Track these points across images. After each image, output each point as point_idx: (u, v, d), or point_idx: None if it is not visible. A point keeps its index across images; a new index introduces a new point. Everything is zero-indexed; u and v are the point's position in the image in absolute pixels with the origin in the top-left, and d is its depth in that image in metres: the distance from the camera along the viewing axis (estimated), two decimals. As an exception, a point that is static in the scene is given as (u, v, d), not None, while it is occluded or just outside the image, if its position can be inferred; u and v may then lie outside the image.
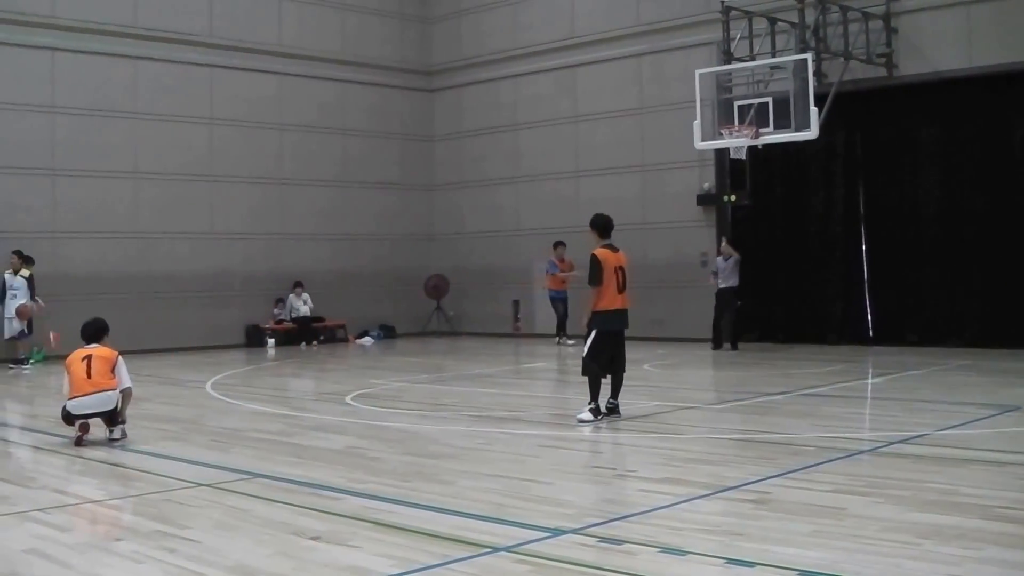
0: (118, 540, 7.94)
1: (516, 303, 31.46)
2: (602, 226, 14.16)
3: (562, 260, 27.36)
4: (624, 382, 14.08)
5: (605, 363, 13.68)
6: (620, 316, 13.82)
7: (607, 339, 13.67)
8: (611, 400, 13.81)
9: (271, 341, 29.33)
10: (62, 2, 26.78)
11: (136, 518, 8.66)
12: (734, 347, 24.39)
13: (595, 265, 13.66)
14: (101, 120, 27.26)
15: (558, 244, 27.55)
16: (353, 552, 7.44)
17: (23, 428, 15.51)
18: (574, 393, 17.42)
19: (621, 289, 13.76)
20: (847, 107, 23.84)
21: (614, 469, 10.44)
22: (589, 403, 13.40)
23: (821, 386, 17.32)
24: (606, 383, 13.74)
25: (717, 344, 24.66)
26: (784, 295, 25.85)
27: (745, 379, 18.96)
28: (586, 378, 13.60)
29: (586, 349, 13.66)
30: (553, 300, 27.76)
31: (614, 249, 13.96)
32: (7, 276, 24.25)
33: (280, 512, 8.75)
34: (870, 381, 18.81)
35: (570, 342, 25.37)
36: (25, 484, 10.40)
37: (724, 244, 23.84)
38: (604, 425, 13.09)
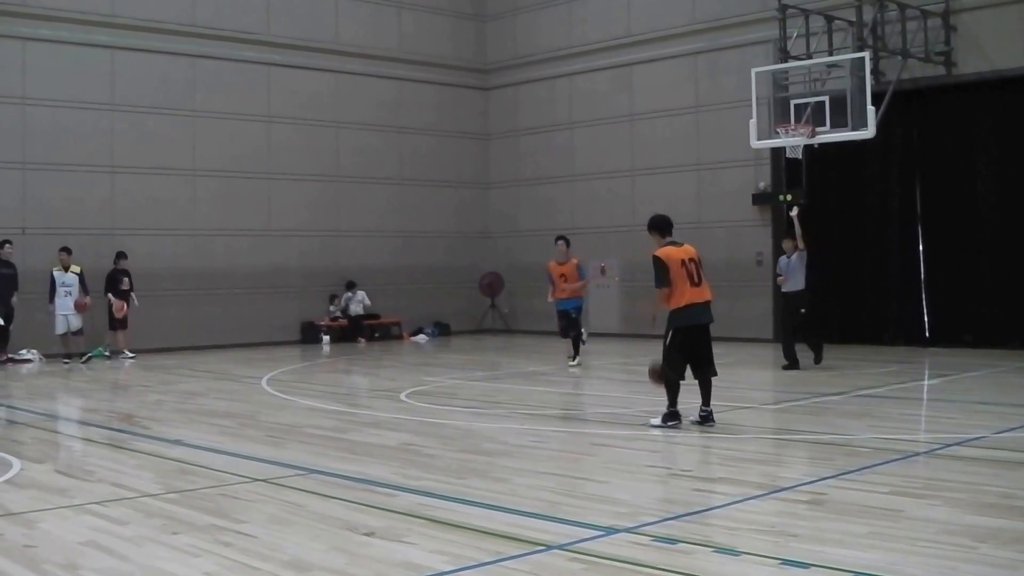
0: (174, 533, 7.99)
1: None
2: (661, 225, 13.57)
3: (561, 263, 22.01)
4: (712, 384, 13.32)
5: (681, 365, 13.04)
6: (699, 309, 13.16)
7: (687, 336, 13.00)
8: (703, 408, 13.07)
9: (326, 338, 29.46)
10: (121, 1, 27.02)
11: (192, 512, 8.72)
12: (817, 360, 20.71)
13: (658, 266, 13.05)
14: (160, 117, 27.52)
15: (559, 239, 22.57)
16: (407, 548, 7.47)
17: (81, 422, 15.64)
18: (628, 391, 17.44)
19: (696, 282, 13.21)
20: (904, 105, 23.69)
21: (669, 468, 10.43)
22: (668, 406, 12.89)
23: (877, 387, 17.21)
24: (687, 385, 13.23)
25: (791, 362, 20.38)
26: (840, 294, 25.63)
27: (801, 379, 18.86)
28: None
29: (664, 348, 13.05)
30: (558, 312, 22.37)
31: (678, 244, 13.44)
32: (56, 273, 24.48)
33: (335, 508, 8.80)
34: (927, 382, 18.68)
35: (572, 363, 21.73)
36: (83, 477, 10.50)
37: (785, 240, 22.15)
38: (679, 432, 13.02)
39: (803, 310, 20.35)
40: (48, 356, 24.63)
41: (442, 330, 31.74)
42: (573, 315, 21.78)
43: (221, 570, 7.01)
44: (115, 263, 25.58)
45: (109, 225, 26.50)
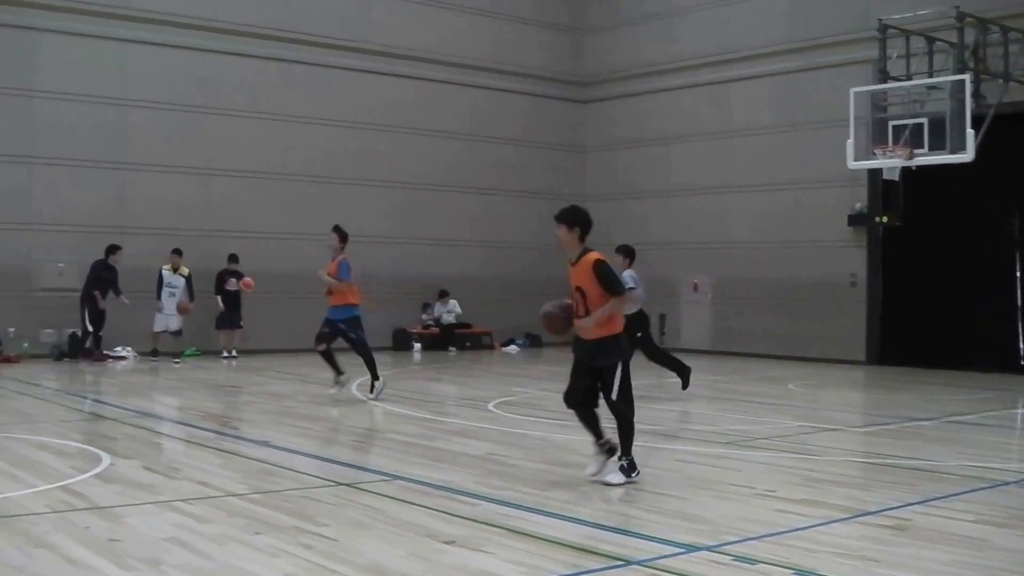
0: (256, 534, 8.07)
1: (662, 316, 31.31)
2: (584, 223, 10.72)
3: None
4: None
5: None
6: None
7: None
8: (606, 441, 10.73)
9: (417, 346, 29.62)
10: (211, 5, 27.49)
11: (275, 513, 8.80)
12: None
13: (611, 270, 10.56)
14: (252, 122, 27.86)
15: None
16: (485, 557, 7.50)
17: (172, 421, 15.84)
18: (715, 410, 17.36)
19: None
20: (1005, 129, 23.34)
21: (752, 488, 10.37)
22: (621, 457, 10.52)
23: (968, 413, 16.98)
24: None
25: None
26: (932, 318, 25.36)
27: (890, 402, 18.68)
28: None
29: (618, 387, 10.45)
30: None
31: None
32: (166, 273, 24.88)
33: (415, 514, 8.85)
34: (1020, 411, 18.41)
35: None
36: (170, 475, 10.65)
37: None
38: (734, 447, 12.92)
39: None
40: (143, 354, 25.01)
41: (533, 341, 31.74)
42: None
43: (300, 572, 7.08)
44: (227, 264, 26.04)
45: (200, 226, 26.80)
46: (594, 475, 10.52)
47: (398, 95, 30.29)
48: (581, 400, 10.63)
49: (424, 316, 30.39)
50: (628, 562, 7.38)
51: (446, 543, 7.88)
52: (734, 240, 29.51)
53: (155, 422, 15.48)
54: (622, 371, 10.45)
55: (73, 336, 24.72)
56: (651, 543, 7.91)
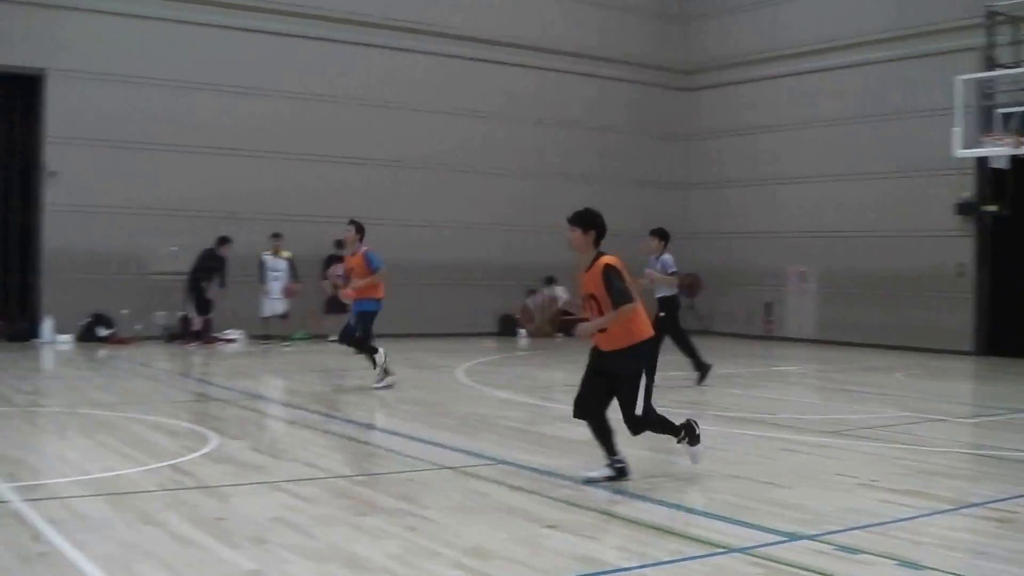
0: (362, 515, 8.19)
1: (767, 305, 31.13)
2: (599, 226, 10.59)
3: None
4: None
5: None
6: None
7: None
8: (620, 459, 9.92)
9: (523, 331, 29.69)
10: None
11: (380, 495, 8.91)
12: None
13: (620, 276, 10.04)
14: (365, 110, 28.10)
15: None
16: (588, 543, 7.54)
17: (280, 403, 16.05)
18: (820, 398, 17.26)
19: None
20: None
21: (856, 477, 10.29)
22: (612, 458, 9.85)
23: (1080, 405, 16.73)
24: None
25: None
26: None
27: (999, 394, 18.43)
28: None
29: (641, 397, 9.73)
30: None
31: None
32: (267, 258, 25.22)
33: (519, 499, 8.92)
34: None
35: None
36: (277, 456, 10.82)
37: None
38: (833, 436, 12.79)
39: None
40: (253, 337, 25.37)
41: (637, 328, 31.57)
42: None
43: (404, 553, 7.16)
44: (334, 249, 26.32)
45: (312, 212, 27.08)
46: (593, 479, 9.61)
47: (508, 84, 30.36)
48: (594, 410, 9.83)
49: (529, 302, 30.45)
50: (729, 549, 7.39)
51: (549, 528, 7.92)
52: (838, 230, 29.19)
53: (263, 404, 15.71)
54: (643, 379, 9.65)
55: (184, 318, 25.10)
56: (753, 531, 7.91)
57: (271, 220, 26.04)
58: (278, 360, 22.02)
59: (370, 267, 16.94)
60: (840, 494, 9.48)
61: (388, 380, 16.81)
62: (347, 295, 17.21)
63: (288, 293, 25.26)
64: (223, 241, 24.75)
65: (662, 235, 18.32)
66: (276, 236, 25.47)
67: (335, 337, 25.93)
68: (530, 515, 8.33)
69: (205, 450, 10.87)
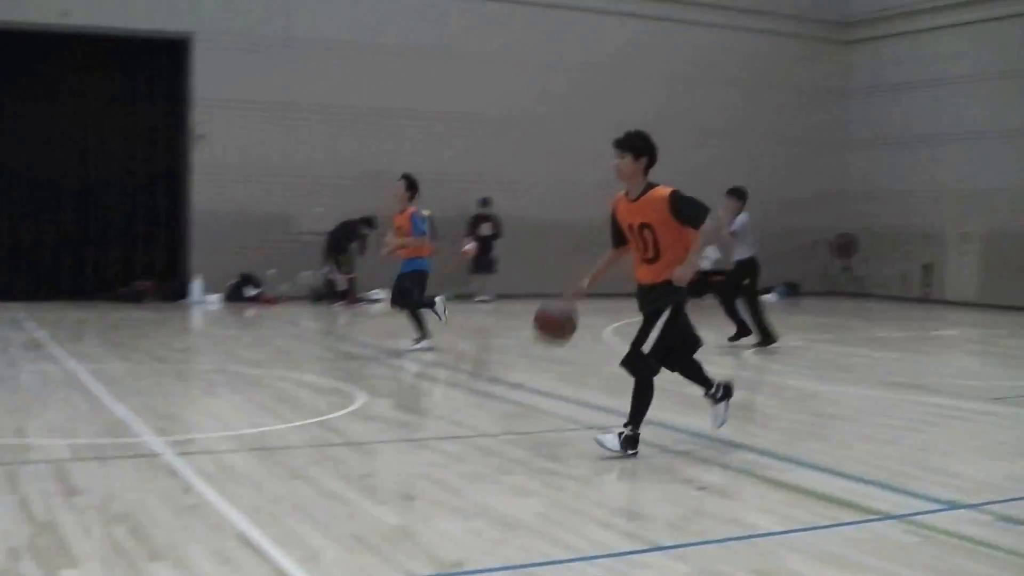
0: (507, 474, 8.10)
1: (926, 267, 30.38)
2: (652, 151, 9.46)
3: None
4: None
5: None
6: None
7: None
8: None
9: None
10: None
11: (526, 454, 8.82)
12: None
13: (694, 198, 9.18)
14: (506, 67, 28.11)
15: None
16: (738, 505, 7.39)
17: (426, 362, 16.01)
18: (981, 364, 16.78)
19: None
20: None
21: (1018, 446, 9.93)
22: (627, 426, 8.95)
23: None
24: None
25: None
26: None
27: None
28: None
29: (656, 338, 9.15)
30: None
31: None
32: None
33: (668, 460, 8.78)
34: None
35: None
36: (424, 414, 10.84)
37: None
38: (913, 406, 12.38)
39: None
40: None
41: (791, 290, 31.16)
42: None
43: (551, 511, 7.07)
44: (479, 208, 26.31)
45: (458, 171, 26.99)
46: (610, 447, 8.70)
47: (657, 39, 29.91)
48: (679, 354, 9.29)
49: (688, 262, 30.13)
50: (886, 516, 7.15)
51: (699, 490, 7.78)
52: (1006, 188, 28.33)
53: (409, 363, 15.70)
54: (668, 320, 8.99)
55: (329, 279, 25.28)
56: (910, 499, 7.63)
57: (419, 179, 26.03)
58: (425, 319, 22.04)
59: (414, 230, 16.10)
60: (1002, 463, 9.14)
61: (427, 343, 16.11)
62: (396, 253, 16.28)
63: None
64: (368, 222, 24.75)
65: (740, 194, 17.68)
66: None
67: (482, 296, 26.08)
68: (680, 476, 8.18)
69: (351, 408, 10.89)
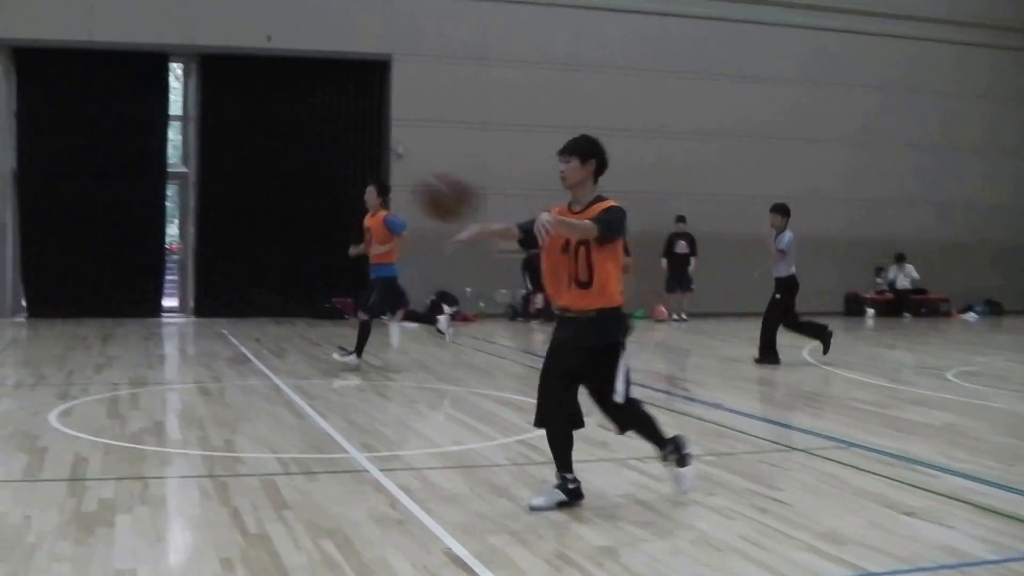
0: (711, 495, 8.06)
1: None
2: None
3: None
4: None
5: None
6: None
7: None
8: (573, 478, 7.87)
9: (870, 311, 28.93)
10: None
11: (729, 475, 8.75)
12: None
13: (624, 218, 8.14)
14: (701, 82, 28.15)
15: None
16: (947, 532, 7.20)
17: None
18: None
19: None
20: None
21: None
22: (668, 454, 8.00)
23: None
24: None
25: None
26: None
27: None
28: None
29: (625, 380, 7.80)
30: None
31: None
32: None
33: (873, 483, 8.60)
34: None
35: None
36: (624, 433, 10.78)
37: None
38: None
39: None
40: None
41: (993, 309, 30.38)
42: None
43: (756, 535, 7.01)
44: (675, 226, 26.27)
45: (653, 188, 26.92)
46: (540, 507, 7.63)
47: (844, 48, 29.45)
48: (565, 411, 7.75)
49: (878, 280, 29.65)
50: (1106, 546, 6.92)
51: (906, 515, 7.61)
52: None
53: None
54: (623, 356, 7.75)
55: (526, 297, 25.46)
56: None
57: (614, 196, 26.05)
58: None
59: (392, 231, 15.76)
60: None
61: (353, 360, 15.83)
62: (373, 257, 15.91)
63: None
64: None
65: (784, 211, 17.51)
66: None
67: (677, 316, 25.99)
68: (885, 500, 8.02)
69: (551, 426, 10.92)
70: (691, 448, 7.97)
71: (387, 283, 15.97)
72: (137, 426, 10.77)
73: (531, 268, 25.02)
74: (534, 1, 26.51)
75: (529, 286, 25.24)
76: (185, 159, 26.20)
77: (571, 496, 7.70)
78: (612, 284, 7.71)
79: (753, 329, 17.98)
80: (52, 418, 11.00)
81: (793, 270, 17.40)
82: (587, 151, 8.41)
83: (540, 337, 22.08)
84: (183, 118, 26.16)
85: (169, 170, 25.93)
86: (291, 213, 25.47)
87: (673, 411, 12.39)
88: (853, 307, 29.22)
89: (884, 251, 29.42)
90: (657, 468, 8.91)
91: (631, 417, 7.94)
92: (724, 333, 22.61)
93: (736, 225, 27.07)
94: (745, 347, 18.06)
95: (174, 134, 26.40)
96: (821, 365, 17.18)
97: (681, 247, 26.22)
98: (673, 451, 7.85)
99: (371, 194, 16.04)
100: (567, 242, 7.80)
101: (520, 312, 25.48)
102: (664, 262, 26.11)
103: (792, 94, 28.89)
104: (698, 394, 13.97)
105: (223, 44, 25.14)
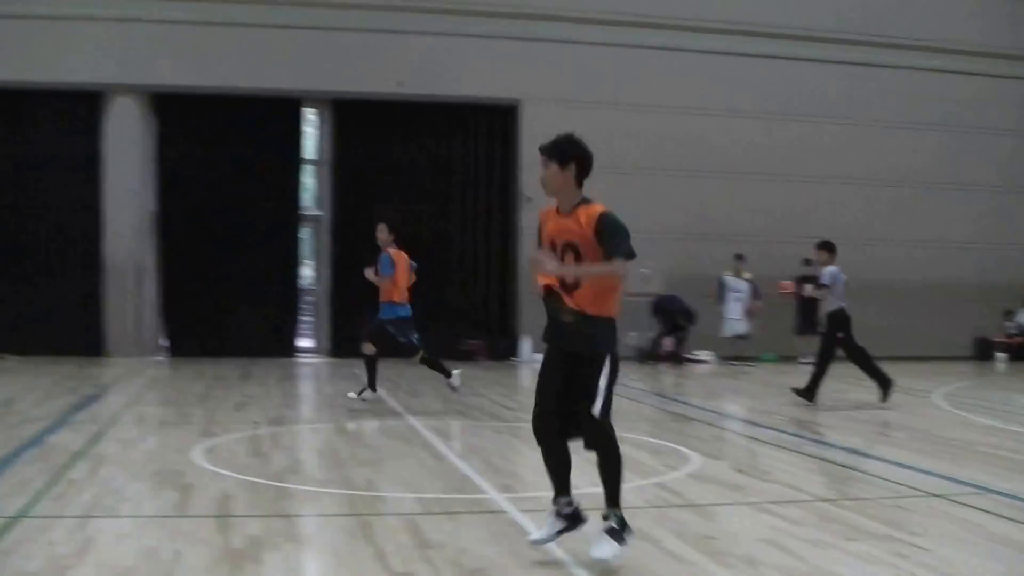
0: (850, 540, 8.10)
1: None
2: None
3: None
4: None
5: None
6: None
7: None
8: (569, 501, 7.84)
9: (1002, 355, 28.56)
10: (785, 12, 27.79)
11: (867, 520, 8.77)
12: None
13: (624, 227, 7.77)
14: (830, 127, 27.93)
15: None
16: (1095, 582, 7.20)
17: (752, 423, 16.03)
18: None
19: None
20: None
21: None
22: (608, 513, 7.70)
23: None
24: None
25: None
26: None
27: None
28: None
29: (604, 396, 7.77)
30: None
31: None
32: (728, 278, 25.38)
33: (1014, 531, 8.58)
34: None
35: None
36: (759, 477, 10.84)
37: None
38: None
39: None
40: (723, 359, 25.55)
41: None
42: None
43: (898, 582, 7.03)
44: (803, 269, 26.24)
45: (765, 235, 27.06)
46: (541, 540, 7.65)
47: (967, 94, 29.11)
48: (558, 422, 7.74)
49: (1008, 324, 29.26)
50: None
51: (1053, 563, 7.60)
52: None
53: (738, 424, 15.80)
54: (610, 373, 7.65)
55: (656, 339, 25.56)
56: None
57: (740, 241, 26.12)
58: (748, 381, 22.10)
59: (381, 269, 15.89)
60: None
61: (367, 395, 16.27)
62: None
63: (749, 313, 25.35)
64: (688, 317, 25.56)
65: (830, 248, 17.74)
66: (739, 257, 25.56)
67: (807, 359, 25.83)
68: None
69: (687, 469, 11.05)
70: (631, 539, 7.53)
71: (401, 323, 16.25)
72: (279, 464, 11.09)
73: (660, 311, 25.18)
74: (664, 47, 26.64)
75: (659, 328, 25.38)
76: (319, 202, 26.66)
77: (570, 521, 7.66)
78: (602, 292, 7.57)
79: (890, 372, 17.86)
80: (196, 455, 11.35)
81: (843, 304, 17.47)
82: (566, 154, 8.04)
83: (670, 380, 22.18)
84: (317, 162, 26.67)
85: (303, 212, 26.45)
86: (421, 256, 25.78)
87: (803, 454, 12.43)
88: (982, 351, 28.85)
89: (1015, 295, 29.03)
90: (795, 512, 8.99)
91: (602, 439, 7.70)
92: (853, 376, 22.41)
93: (872, 270, 26.82)
94: (872, 390, 17.92)
95: (308, 178, 26.86)
96: (954, 410, 17.05)
97: (810, 289, 26.07)
98: (620, 517, 7.56)
99: (383, 231, 16.10)
100: (554, 244, 7.68)
101: (649, 354, 25.54)
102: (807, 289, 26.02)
103: (924, 140, 28.66)
104: (829, 437, 13.95)
105: (355, 89, 25.70)
